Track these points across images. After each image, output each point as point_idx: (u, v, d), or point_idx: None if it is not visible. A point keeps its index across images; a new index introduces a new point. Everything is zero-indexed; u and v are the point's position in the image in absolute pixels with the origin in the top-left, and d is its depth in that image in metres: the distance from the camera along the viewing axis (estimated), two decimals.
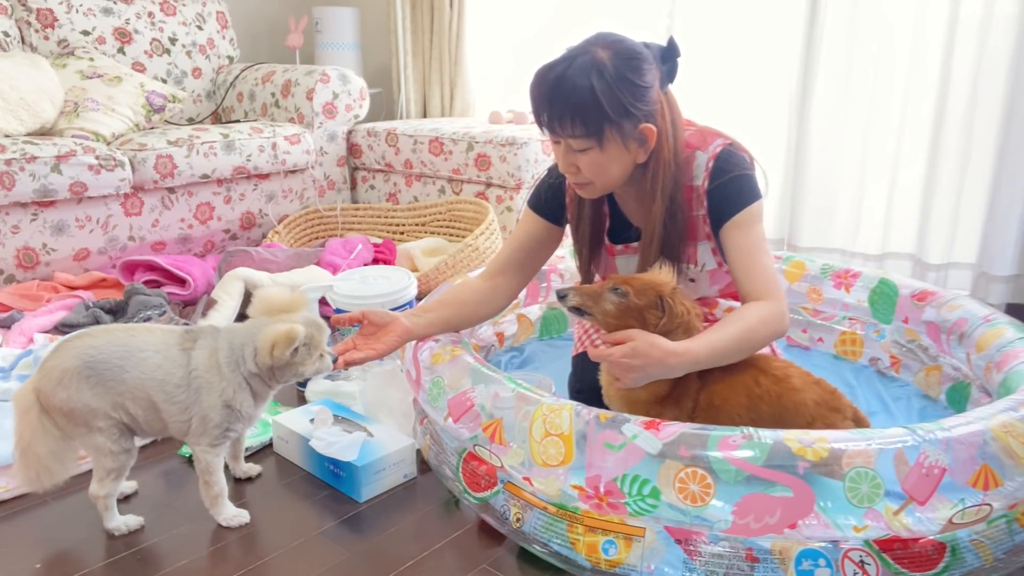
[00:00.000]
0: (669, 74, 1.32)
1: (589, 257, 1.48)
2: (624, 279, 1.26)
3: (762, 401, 1.23)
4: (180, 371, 1.23)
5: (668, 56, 1.31)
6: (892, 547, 1.07)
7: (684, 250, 1.38)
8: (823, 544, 1.08)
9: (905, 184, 2.58)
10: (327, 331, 1.30)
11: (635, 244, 1.44)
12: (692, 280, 1.43)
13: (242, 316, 2.15)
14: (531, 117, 3.12)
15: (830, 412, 1.25)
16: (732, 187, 1.32)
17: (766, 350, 1.37)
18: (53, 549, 1.26)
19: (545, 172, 1.54)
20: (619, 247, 1.47)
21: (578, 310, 1.27)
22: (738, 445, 1.05)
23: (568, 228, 1.52)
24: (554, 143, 1.33)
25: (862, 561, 1.07)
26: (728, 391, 1.24)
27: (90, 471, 1.28)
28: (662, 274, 1.28)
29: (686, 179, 1.34)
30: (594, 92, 1.22)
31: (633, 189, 1.39)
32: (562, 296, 1.28)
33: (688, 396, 1.26)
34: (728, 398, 1.24)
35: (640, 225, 1.42)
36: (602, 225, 1.47)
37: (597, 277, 1.56)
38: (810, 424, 1.24)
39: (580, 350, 1.57)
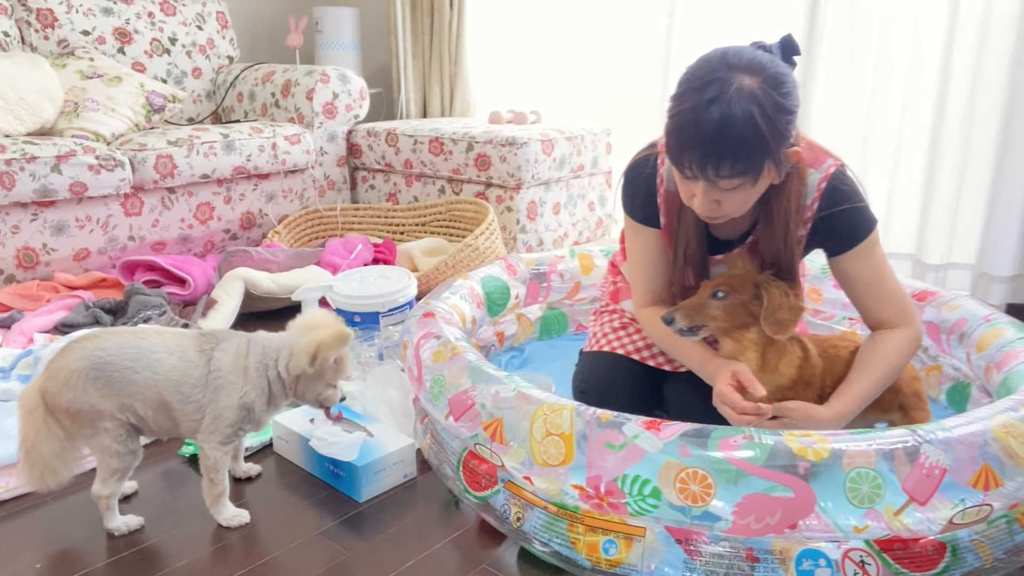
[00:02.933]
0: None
1: (695, 267, 1.38)
2: (718, 281, 1.27)
3: None
4: (197, 372, 1.24)
5: (787, 54, 1.21)
6: (892, 547, 1.07)
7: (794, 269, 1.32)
8: (823, 544, 1.08)
9: (904, 184, 2.59)
10: (353, 368, 1.32)
11: (719, 257, 1.38)
12: None
13: (242, 316, 2.16)
14: (531, 117, 3.16)
15: (913, 380, 1.38)
16: (848, 219, 1.27)
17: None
18: (53, 549, 1.26)
19: (623, 179, 1.43)
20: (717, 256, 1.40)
21: (691, 329, 1.26)
22: (739, 445, 1.05)
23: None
24: (688, 180, 1.19)
25: (862, 561, 1.07)
26: (848, 364, 1.31)
27: (91, 470, 1.28)
28: (746, 264, 1.28)
29: None
30: (759, 129, 1.11)
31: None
32: (670, 321, 1.26)
33: (816, 376, 1.30)
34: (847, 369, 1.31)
35: (729, 238, 1.37)
36: (703, 236, 1.36)
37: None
38: (900, 388, 1.35)
39: (594, 348, 1.55)
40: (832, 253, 1.32)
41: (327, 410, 1.36)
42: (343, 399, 1.35)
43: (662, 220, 1.39)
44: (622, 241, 1.58)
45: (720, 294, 1.25)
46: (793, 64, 1.23)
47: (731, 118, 1.10)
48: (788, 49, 1.21)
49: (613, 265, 1.69)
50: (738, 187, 1.17)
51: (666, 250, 1.40)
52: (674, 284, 1.42)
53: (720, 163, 1.13)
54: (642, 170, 1.39)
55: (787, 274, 1.30)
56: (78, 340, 1.24)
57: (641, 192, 1.39)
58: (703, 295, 1.27)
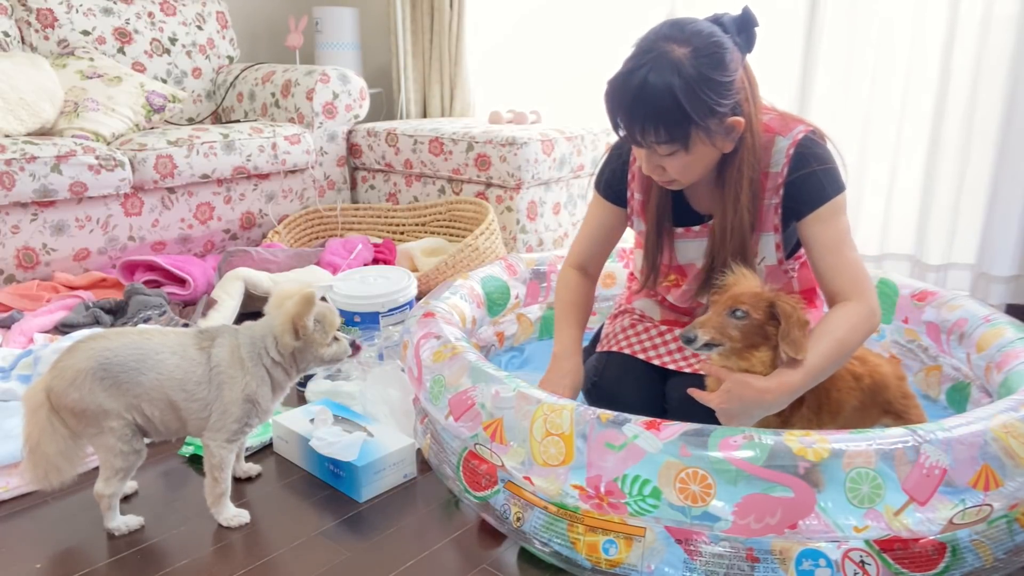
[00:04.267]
0: (747, 44, 1.24)
1: (656, 241, 1.43)
2: (733, 298, 1.20)
3: (861, 379, 1.29)
4: (200, 369, 1.25)
5: (744, 26, 1.22)
6: (892, 547, 1.07)
7: (755, 240, 1.34)
8: (823, 544, 1.08)
9: (904, 184, 2.59)
10: (339, 315, 1.34)
11: (696, 228, 1.40)
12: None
13: (242, 316, 2.16)
14: (531, 117, 3.16)
15: (899, 380, 1.37)
16: (814, 180, 1.27)
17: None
18: (54, 549, 1.26)
19: (606, 154, 1.51)
20: (680, 230, 1.42)
21: (708, 345, 1.21)
22: (738, 446, 1.05)
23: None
24: (635, 145, 1.27)
25: (862, 561, 1.07)
26: (838, 381, 1.28)
27: (92, 470, 1.28)
28: (749, 279, 1.24)
29: (763, 165, 1.30)
30: (676, 99, 1.15)
31: (710, 176, 1.32)
32: (691, 339, 1.20)
33: (814, 392, 1.25)
34: (842, 389, 1.28)
35: (709, 211, 1.38)
36: (668, 208, 1.41)
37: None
38: (890, 399, 1.34)
39: (606, 348, 1.55)
40: (798, 216, 1.31)
41: (355, 347, 1.36)
42: (352, 344, 1.36)
43: (637, 197, 1.44)
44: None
45: (739, 313, 1.19)
46: (753, 36, 1.24)
47: (648, 86, 1.16)
48: (744, 23, 1.23)
49: (631, 274, 1.71)
50: (673, 154, 1.22)
51: (615, 228, 1.52)
52: (649, 261, 1.46)
53: (644, 129, 1.19)
54: (620, 149, 1.47)
55: (739, 247, 1.31)
56: (84, 340, 1.24)
57: (611, 166, 1.48)
58: (720, 312, 1.20)
